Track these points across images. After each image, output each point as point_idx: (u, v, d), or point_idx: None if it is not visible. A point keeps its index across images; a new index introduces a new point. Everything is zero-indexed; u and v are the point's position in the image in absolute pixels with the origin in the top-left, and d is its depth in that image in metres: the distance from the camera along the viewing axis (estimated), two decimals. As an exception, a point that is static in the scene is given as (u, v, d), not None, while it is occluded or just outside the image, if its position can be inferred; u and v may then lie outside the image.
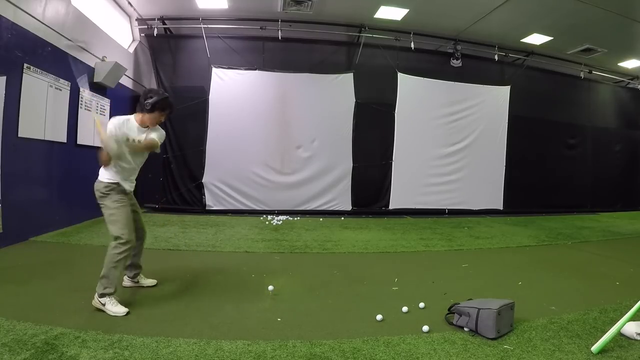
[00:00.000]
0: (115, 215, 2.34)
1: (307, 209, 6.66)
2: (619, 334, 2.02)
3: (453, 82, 7.20)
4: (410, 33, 6.82)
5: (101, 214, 2.44)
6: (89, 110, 5.07)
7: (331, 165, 6.74)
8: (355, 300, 2.65)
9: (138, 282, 2.75)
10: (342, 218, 6.46)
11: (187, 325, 2.14)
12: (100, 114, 5.32)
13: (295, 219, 6.21)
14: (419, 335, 2.10)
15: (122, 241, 2.33)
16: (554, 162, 8.11)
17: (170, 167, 6.52)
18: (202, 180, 6.48)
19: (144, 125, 2.49)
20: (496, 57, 7.45)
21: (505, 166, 7.58)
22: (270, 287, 2.73)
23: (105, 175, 2.41)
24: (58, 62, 4.41)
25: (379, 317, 2.31)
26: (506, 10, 5.96)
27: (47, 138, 4.30)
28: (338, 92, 6.74)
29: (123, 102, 6.27)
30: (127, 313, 2.25)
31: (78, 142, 4.91)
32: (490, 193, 7.52)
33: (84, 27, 4.91)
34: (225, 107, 6.48)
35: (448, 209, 7.22)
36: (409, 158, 7.03)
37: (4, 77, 3.59)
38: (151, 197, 6.51)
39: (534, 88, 7.79)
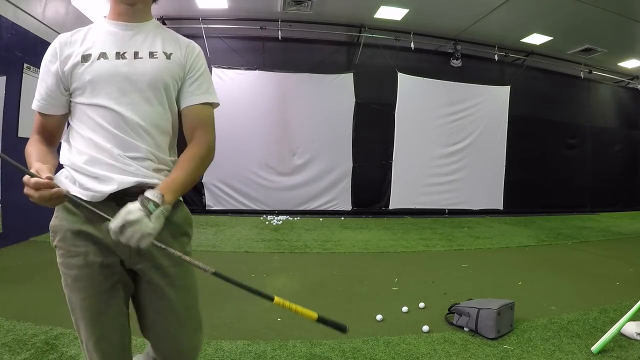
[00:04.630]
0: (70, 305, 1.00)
1: (307, 209, 6.65)
2: (619, 334, 2.02)
3: (453, 82, 7.19)
4: (410, 33, 6.81)
5: None
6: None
7: (331, 165, 6.73)
8: (355, 300, 2.65)
9: None
10: (342, 218, 6.46)
11: (187, 325, 2.14)
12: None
13: (295, 219, 6.21)
14: (419, 335, 2.10)
15: None
16: (554, 162, 8.10)
17: (170, 167, 6.52)
18: (202, 180, 6.48)
19: (123, 14, 1.00)
20: (496, 57, 7.44)
21: (505, 166, 7.57)
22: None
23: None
24: (58, 62, 4.40)
25: (379, 317, 2.31)
26: (506, 10, 5.95)
27: (47, 138, 4.30)
28: (338, 92, 6.74)
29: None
30: None
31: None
32: (490, 193, 7.51)
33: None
34: (225, 107, 6.41)
35: (448, 209, 7.21)
36: (409, 158, 7.03)
37: (4, 77, 3.60)
38: (151, 197, 6.51)
39: (534, 88, 7.78)
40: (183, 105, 1.04)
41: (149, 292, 1.01)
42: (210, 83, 1.09)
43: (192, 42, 1.08)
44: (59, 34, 1.03)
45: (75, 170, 0.92)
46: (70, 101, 0.99)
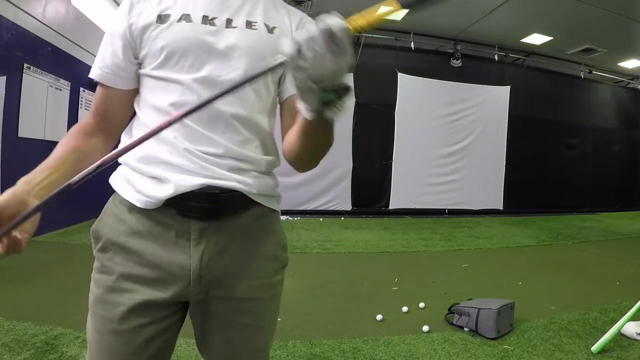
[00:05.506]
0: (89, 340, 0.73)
1: (307, 209, 6.65)
2: (619, 334, 2.02)
3: (453, 82, 7.19)
4: (410, 33, 6.81)
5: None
6: (89, 110, 5.09)
7: (331, 165, 6.73)
8: (355, 300, 2.64)
9: None
10: (342, 218, 6.46)
11: (187, 325, 2.14)
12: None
13: (295, 219, 6.21)
14: (419, 335, 2.10)
15: None
16: (554, 162, 8.10)
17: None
18: (202, 180, 6.48)
19: None
20: (496, 57, 7.44)
21: (505, 166, 7.57)
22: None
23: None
24: (58, 62, 4.40)
25: (379, 317, 2.31)
26: (506, 10, 5.95)
27: (47, 138, 4.30)
28: (338, 92, 6.73)
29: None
30: None
31: (78, 142, 4.91)
32: (490, 193, 7.51)
33: (84, 27, 4.91)
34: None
35: (448, 209, 7.21)
36: (409, 158, 7.03)
37: (4, 77, 3.60)
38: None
39: (534, 88, 7.79)
40: (289, 92, 0.79)
41: (209, 329, 0.77)
42: None
43: (306, 15, 0.82)
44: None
45: (130, 168, 0.72)
46: (139, 74, 0.76)
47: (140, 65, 0.75)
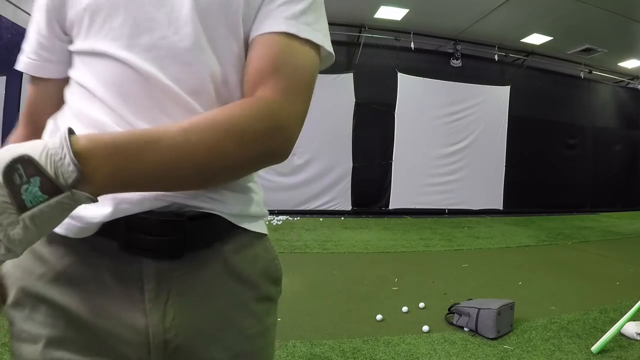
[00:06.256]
0: None
1: (307, 209, 6.65)
2: (619, 334, 2.02)
3: (453, 82, 7.19)
4: (410, 33, 6.81)
5: None
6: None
7: (331, 165, 6.74)
8: (355, 300, 2.65)
9: None
10: (342, 218, 6.46)
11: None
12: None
13: (295, 219, 6.21)
14: (419, 335, 2.10)
15: None
16: (554, 162, 8.11)
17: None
18: (202, 180, 6.47)
19: None
20: (496, 57, 7.44)
21: (505, 166, 7.57)
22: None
23: None
24: (58, 62, 4.41)
25: (379, 317, 2.31)
26: (506, 10, 5.95)
27: (47, 138, 4.31)
28: (338, 92, 6.73)
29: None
30: None
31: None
32: (490, 193, 7.52)
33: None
34: (225, 107, 6.47)
35: (448, 209, 7.21)
36: (408, 158, 7.03)
37: (4, 77, 3.61)
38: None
39: (534, 88, 7.78)
40: (252, 35, 0.51)
41: None
42: (319, 15, 0.58)
43: None
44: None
45: None
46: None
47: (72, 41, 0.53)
